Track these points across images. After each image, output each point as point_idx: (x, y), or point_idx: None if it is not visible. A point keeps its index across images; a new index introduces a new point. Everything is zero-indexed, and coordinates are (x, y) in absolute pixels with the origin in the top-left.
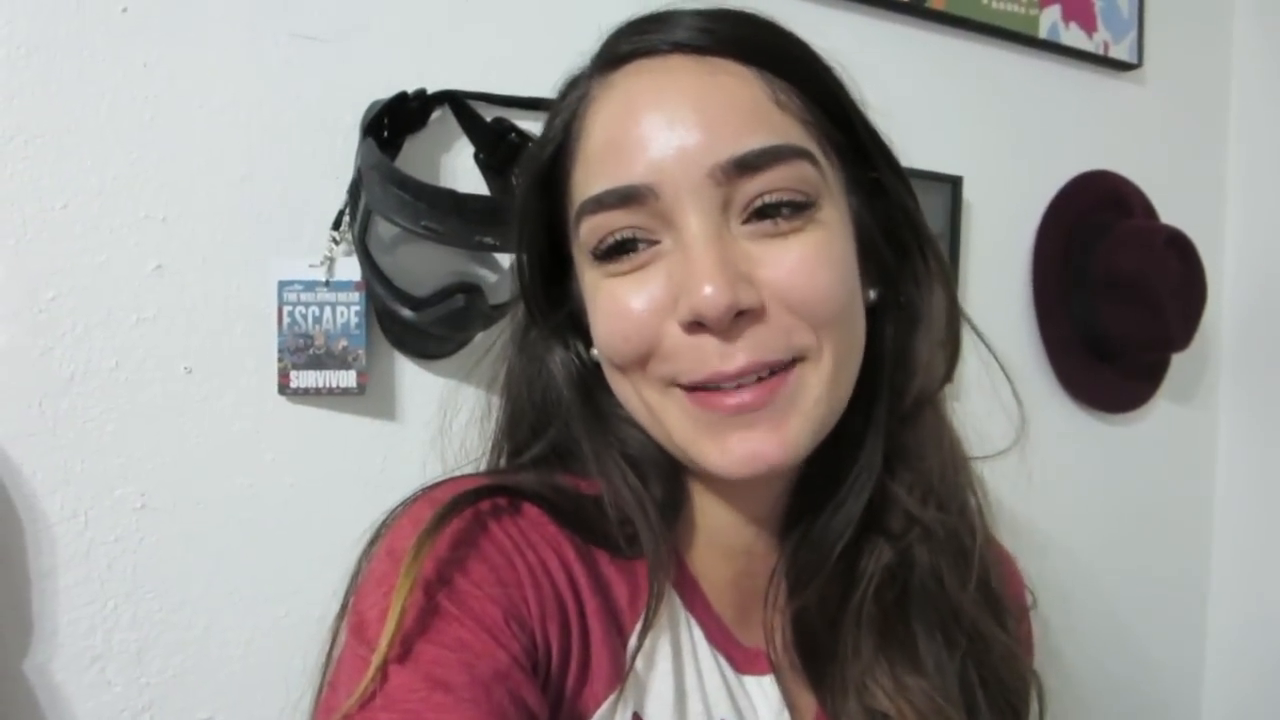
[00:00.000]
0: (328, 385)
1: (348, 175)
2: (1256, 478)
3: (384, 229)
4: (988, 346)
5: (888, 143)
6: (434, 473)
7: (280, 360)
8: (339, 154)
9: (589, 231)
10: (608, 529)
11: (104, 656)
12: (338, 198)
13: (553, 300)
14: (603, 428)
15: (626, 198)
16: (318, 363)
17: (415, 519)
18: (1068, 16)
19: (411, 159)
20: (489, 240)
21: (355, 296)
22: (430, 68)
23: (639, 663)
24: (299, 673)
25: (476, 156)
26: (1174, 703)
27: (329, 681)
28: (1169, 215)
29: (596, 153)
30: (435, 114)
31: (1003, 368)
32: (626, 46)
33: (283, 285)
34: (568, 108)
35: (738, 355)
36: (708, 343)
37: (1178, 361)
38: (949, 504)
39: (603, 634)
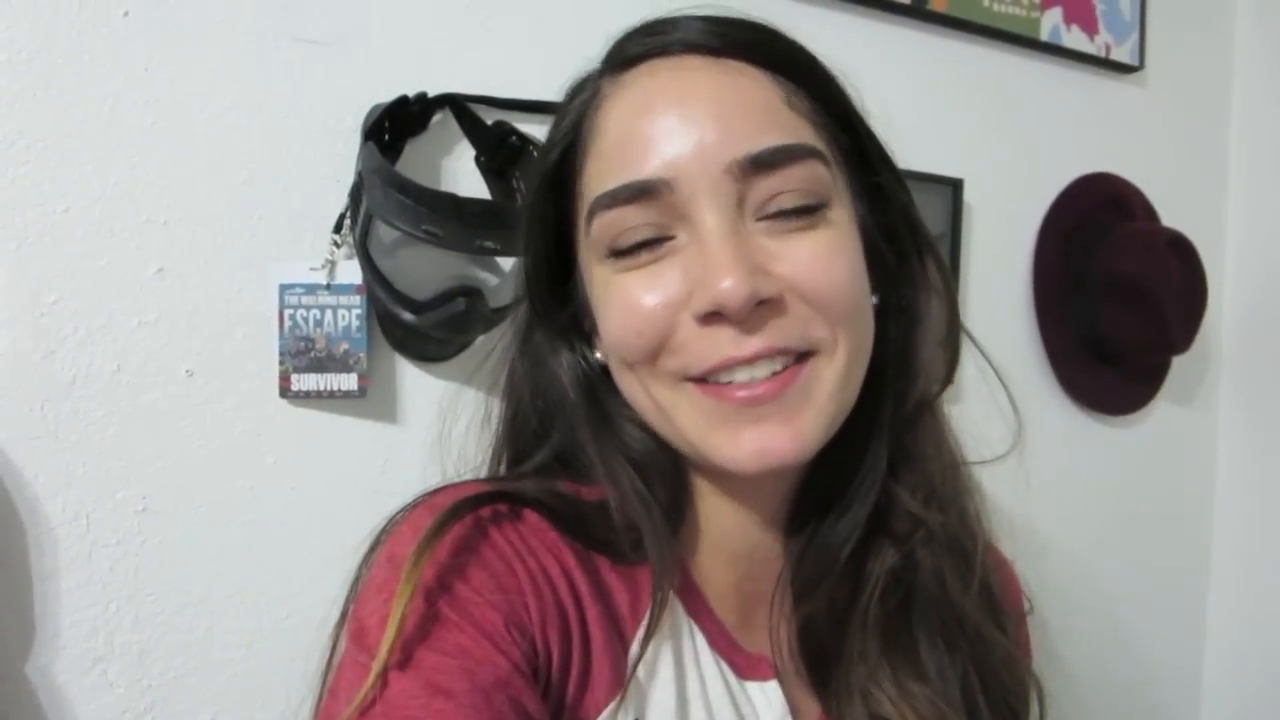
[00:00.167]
0: (329, 388)
1: (349, 179)
2: (1256, 479)
3: (385, 232)
4: (984, 355)
5: (888, 149)
6: (434, 477)
7: (281, 363)
8: (340, 157)
9: (601, 228)
10: (609, 535)
11: (106, 658)
12: (339, 201)
13: (557, 300)
14: (608, 430)
15: (642, 192)
16: (319, 366)
17: (415, 525)
18: (1069, 19)
19: (412, 162)
20: (490, 244)
21: (356, 300)
22: (431, 71)
23: (640, 670)
24: (300, 675)
25: (477, 160)
26: (1173, 703)
27: (329, 688)
28: (1170, 218)
29: (611, 149)
30: (436, 117)
31: (999, 375)
32: (637, 48)
33: (284, 288)
34: (577, 108)
35: (753, 340)
36: (721, 333)
37: (1178, 364)
38: (950, 507)
39: (604, 641)
